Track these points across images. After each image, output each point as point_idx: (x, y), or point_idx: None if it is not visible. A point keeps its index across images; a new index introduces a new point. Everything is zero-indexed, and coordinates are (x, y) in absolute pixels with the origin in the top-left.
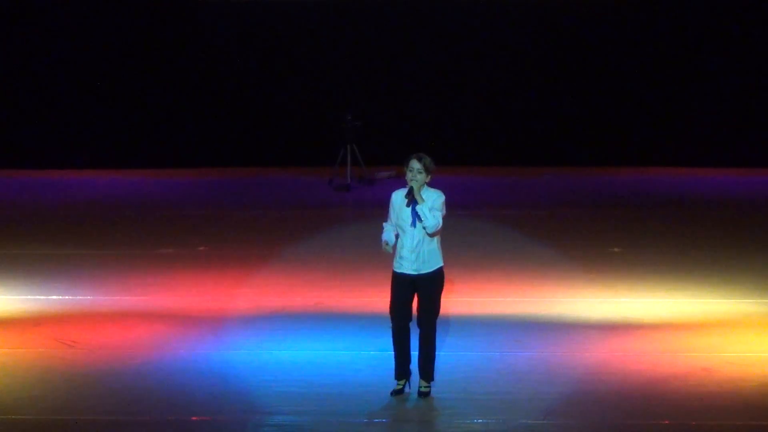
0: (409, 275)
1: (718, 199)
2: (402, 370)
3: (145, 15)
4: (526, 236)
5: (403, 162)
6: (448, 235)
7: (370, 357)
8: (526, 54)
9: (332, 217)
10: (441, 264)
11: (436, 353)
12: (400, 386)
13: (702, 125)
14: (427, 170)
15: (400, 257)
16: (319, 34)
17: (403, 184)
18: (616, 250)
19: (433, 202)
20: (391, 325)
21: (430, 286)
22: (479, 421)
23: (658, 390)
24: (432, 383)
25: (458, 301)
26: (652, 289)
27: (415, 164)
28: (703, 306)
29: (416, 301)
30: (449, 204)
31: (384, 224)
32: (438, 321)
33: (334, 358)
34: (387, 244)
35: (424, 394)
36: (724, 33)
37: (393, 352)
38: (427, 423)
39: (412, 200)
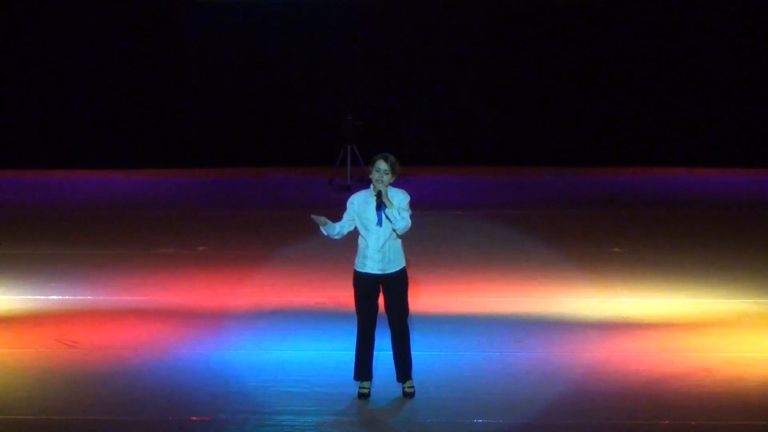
0: (374, 275)
1: (718, 199)
2: (367, 372)
3: (146, 15)
4: (526, 236)
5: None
6: (449, 235)
7: None
8: (527, 54)
9: (332, 217)
10: (404, 264)
11: (433, 352)
12: (366, 389)
13: (702, 125)
14: (393, 171)
15: (364, 257)
16: (319, 34)
17: (363, 186)
18: (616, 250)
19: (399, 203)
20: (357, 323)
21: (397, 285)
22: (479, 421)
23: (658, 390)
24: (431, 384)
25: (458, 301)
26: (652, 289)
27: (382, 164)
28: (703, 306)
29: (383, 303)
30: (443, 204)
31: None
32: (438, 320)
33: (334, 358)
34: (324, 223)
35: (410, 395)
36: (724, 33)
37: (356, 353)
38: (427, 423)
39: (380, 204)
